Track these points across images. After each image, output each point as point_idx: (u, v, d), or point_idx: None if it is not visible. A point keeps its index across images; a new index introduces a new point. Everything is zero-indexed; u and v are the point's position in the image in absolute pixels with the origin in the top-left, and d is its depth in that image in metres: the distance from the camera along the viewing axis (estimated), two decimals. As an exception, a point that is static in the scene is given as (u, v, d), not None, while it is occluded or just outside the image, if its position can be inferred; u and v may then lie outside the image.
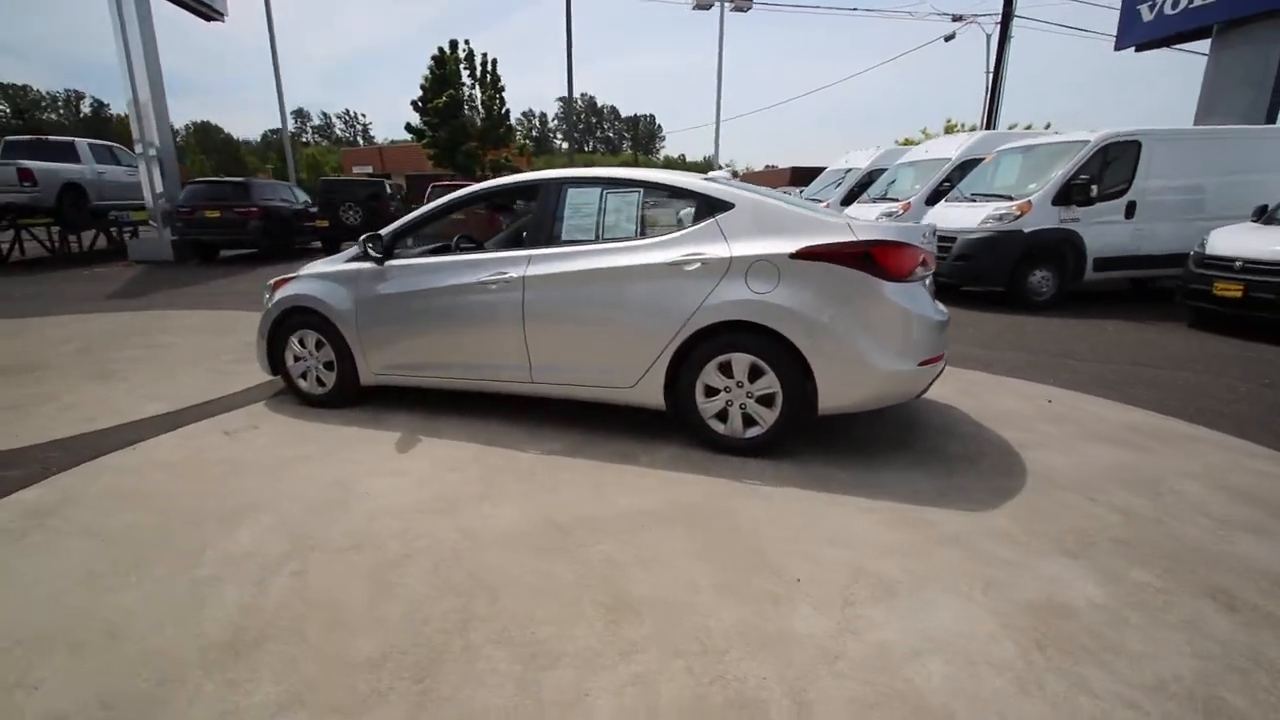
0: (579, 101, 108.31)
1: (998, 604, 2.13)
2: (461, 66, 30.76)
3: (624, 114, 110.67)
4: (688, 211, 3.52)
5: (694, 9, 20.38)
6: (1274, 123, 12.54)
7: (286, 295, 4.20)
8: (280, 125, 20.45)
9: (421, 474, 3.18)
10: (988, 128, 21.29)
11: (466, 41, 30.87)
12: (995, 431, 3.75)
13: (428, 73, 30.23)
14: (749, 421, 3.32)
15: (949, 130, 35.92)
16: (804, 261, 3.10)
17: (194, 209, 12.27)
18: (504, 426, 3.82)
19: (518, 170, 35.55)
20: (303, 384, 4.28)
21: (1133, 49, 16.63)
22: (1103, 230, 8.05)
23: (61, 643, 1.92)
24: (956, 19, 23.41)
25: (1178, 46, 16.46)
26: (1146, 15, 15.90)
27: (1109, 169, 8.11)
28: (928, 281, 3.32)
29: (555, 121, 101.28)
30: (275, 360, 4.34)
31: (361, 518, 2.71)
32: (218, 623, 2.01)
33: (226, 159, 61.27)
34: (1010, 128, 25.12)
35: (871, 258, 3.06)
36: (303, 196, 16.08)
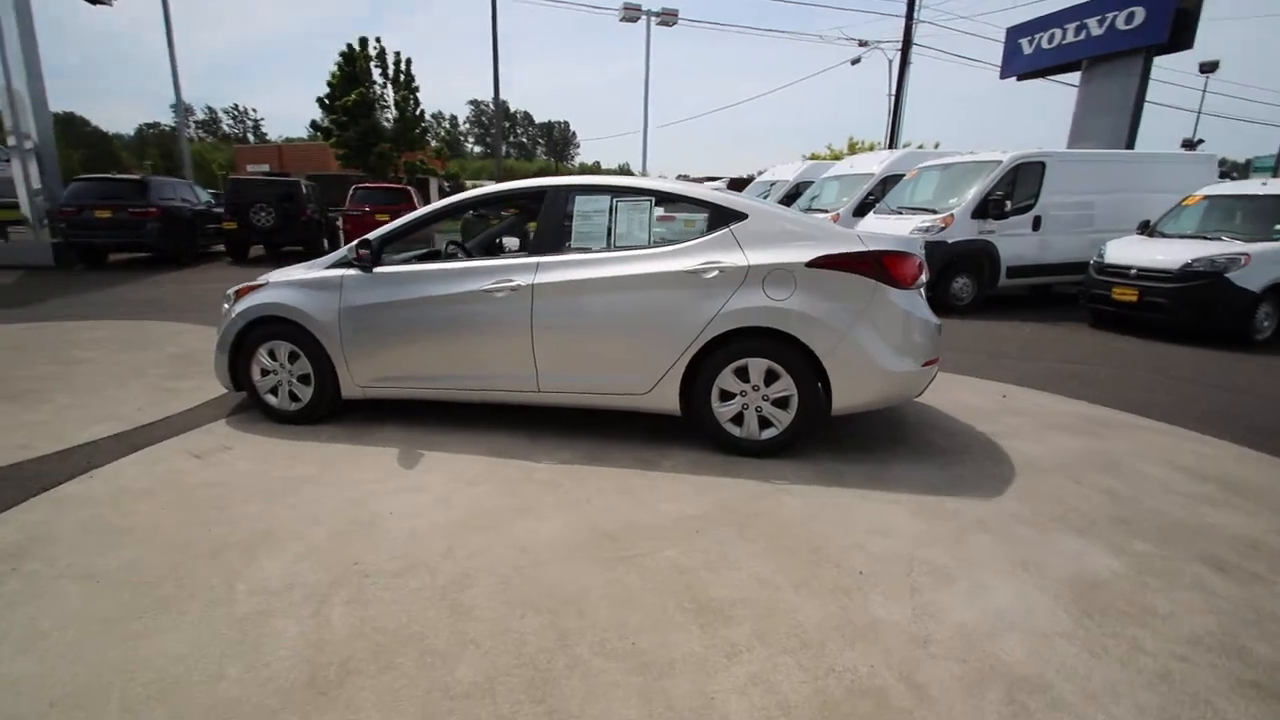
0: (491, 106, 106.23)
1: (1041, 581, 2.33)
2: (373, 65, 29.37)
3: (538, 120, 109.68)
4: (697, 221, 3.58)
5: (621, 20, 20.62)
6: (1133, 146, 14.32)
7: (254, 304, 3.88)
8: (174, 117, 18.63)
9: (440, 489, 3.04)
10: (890, 146, 22.94)
11: (378, 39, 29.54)
12: (969, 425, 4.07)
13: (335, 69, 28.64)
14: (765, 424, 3.42)
15: (852, 147, 38.35)
16: (819, 270, 3.24)
17: (80, 209, 10.98)
18: (504, 437, 3.71)
19: (433, 174, 34.44)
20: (272, 399, 3.97)
21: (1015, 78, 18.47)
22: (1014, 241, 8.90)
23: (113, 701, 1.69)
24: (862, 44, 25.09)
25: (1052, 78, 18.49)
26: (1027, 49, 17.76)
27: (1018, 186, 8.99)
28: (922, 290, 3.56)
29: (466, 125, 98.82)
30: (238, 375, 3.99)
31: (401, 539, 2.56)
32: (286, 661, 1.85)
33: (99, 155, 55.05)
34: (905, 145, 27.14)
35: (882, 266, 3.25)
36: (205, 196, 14.80)
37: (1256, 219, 7.54)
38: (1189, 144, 27.75)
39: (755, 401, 3.40)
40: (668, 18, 21.14)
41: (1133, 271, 7.45)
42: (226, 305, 4.11)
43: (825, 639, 1.97)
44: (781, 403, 3.38)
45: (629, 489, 3.06)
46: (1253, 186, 8.07)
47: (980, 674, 1.83)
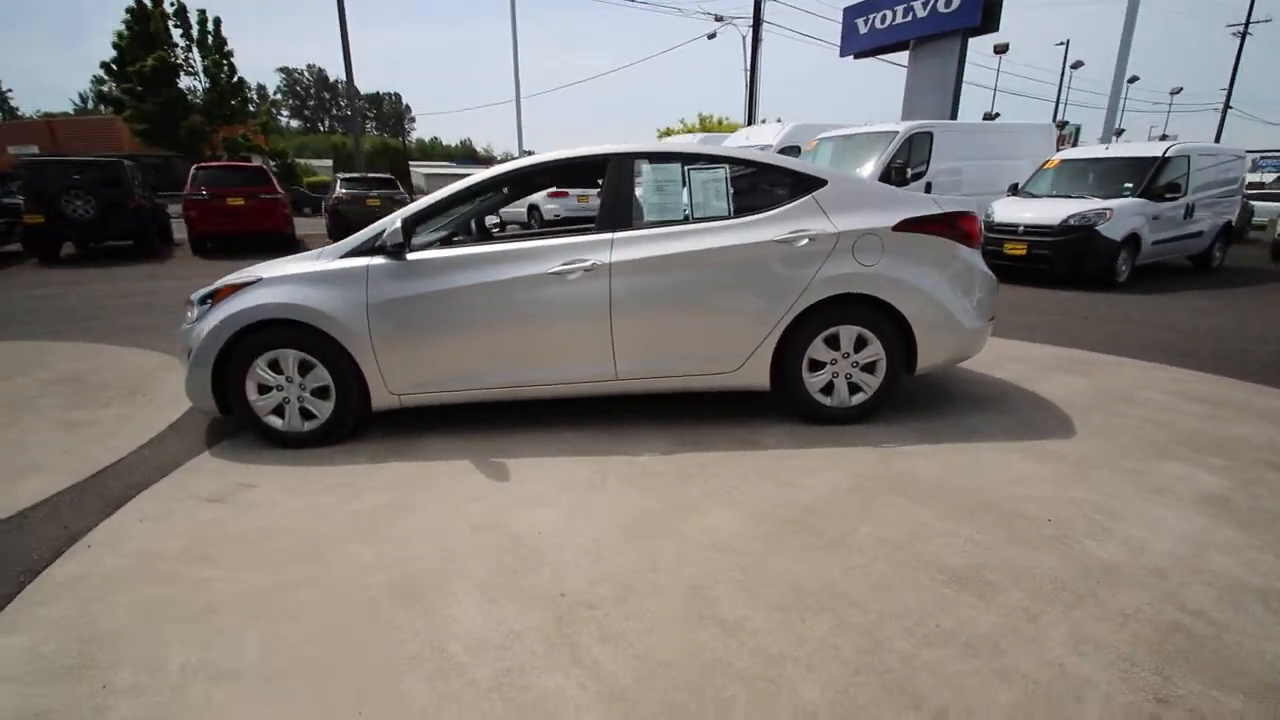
0: (306, 75, 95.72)
1: (1180, 503, 2.58)
2: (172, 24, 24.97)
3: (364, 91, 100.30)
4: (775, 188, 3.46)
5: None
6: (955, 119, 16.25)
7: (248, 307, 3.15)
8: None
9: (563, 499, 2.70)
10: (749, 121, 24.06)
11: (173, -8, 25.11)
12: (985, 374, 4.41)
13: (123, 29, 23.95)
14: (853, 389, 3.44)
15: (703, 122, 39.66)
16: (903, 233, 3.29)
17: None
18: (573, 434, 3.39)
19: (259, 150, 30.28)
20: (275, 421, 3.27)
21: (852, 56, 20.00)
22: (914, 205, 9.76)
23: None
24: (718, 19, 25.84)
25: (884, 57, 20.29)
26: (862, 29, 19.26)
27: (913, 154, 9.84)
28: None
29: (279, 95, 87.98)
30: (224, 393, 3.24)
31: (578, 559, 2.22)
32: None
33: None
34: (762, 121, 28.60)
35: (959, 226, 3.37)
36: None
37: (1106, 178, 8.92)
38: (989, 117, 32.16)
39: (845, 369, 3.40)
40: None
41: (1020, 229, 8.50)
42: (193, 313, 3.30)
43: (1089, 587, 2.03)
44: (869, 368, 3.41)
45: (763, 471, 2.93)
46: (1099, 151, 9.54)
47: (1229, 591, 2.00)
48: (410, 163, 47.50)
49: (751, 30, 24.49)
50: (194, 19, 25.82)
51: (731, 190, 3.34)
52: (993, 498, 2.63)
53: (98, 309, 7.02)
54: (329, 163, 46.38)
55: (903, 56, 18.49)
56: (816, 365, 3.39)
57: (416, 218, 3.28)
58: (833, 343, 3.36)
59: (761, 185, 3.54)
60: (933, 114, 15.89)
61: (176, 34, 25.83)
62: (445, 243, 3.47)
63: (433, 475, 2.95)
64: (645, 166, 3.32)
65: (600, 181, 3.39)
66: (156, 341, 5.36)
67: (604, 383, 3.35)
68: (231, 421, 3.45)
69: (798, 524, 2.45)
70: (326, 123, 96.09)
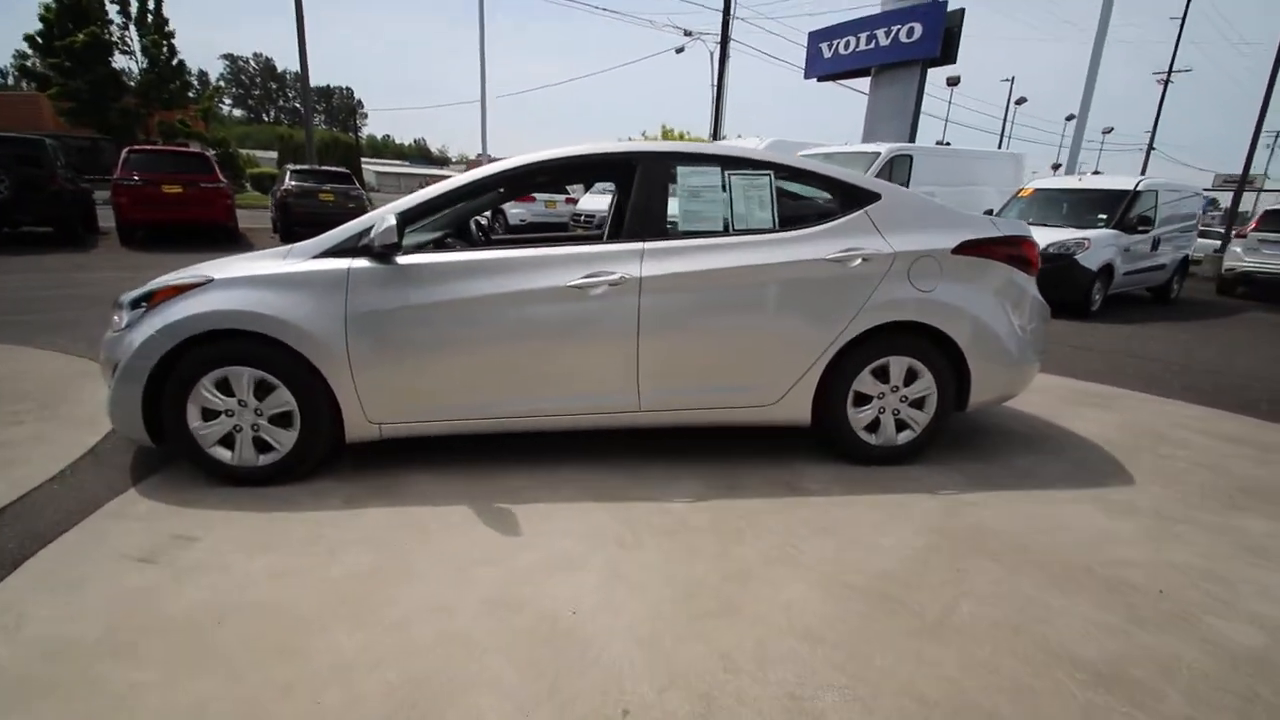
0: (252, 64, 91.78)
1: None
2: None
3: (314, 83, 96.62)
4: (824, 199, 3.09)
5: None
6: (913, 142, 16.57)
7: (195, 314, 2.56)
8: None
9: (595, 561, 2.22)
10: (714, 136, 24.06)
11: (110, -36, 23.33)
12: (1011, 408, 4.16)
13: (50, 1, 22.07)
14: (900, 426, 3.10)
15: (665, 134, 39.64)
16: (962, 256, 2.98)
17: None
18: (585, 473, 2.93)
19: (199, 137, 28.44)
20: (223, 453, 2.68)
21: (816, 79, 20.20)
22: (895, 227, 9.70)
23: None
24: (688, 34, 25.82)
25: (846, 83, 20.57)
26: (826, 53, 19.37)
27: (893, 175, 9.78)
28: None
29: (222, 82, 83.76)
30: (157, 418, 2.63)
31: (638, 656, 1.76)
32: None
33: None
34: (724, 137, 28.74)
35: (1020, 251, 3.08)
36: None
37: (1078, 209, 9.05)
38: (940, 144, 33.35)
39: (893, 404, 3.05)
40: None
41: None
42: (121, 318, 2.69)
43: (1247, 686, 1.70)
44: (919, 403, 3.08)
45: (819, 524, 2.53)
46: (1072, 181, 9.70)
47: None
48: (362, 159, 45.72)
49: (719, 47, 24.61)
50: (131, -6, 24.04)
51: (776, 200, 2.95)
52: (1088, 561, 2.31)
53: (12, 302, 6.09)
54: (274, 154, 44.16)
55: (863, 82, 18.81)
56: (861, 399, 3.03)
57: (411, 214, 2.76)
58: (880, 375, 3.01)
59: (809, 195, 3.18)
60: (892, 139, 16.09)
61: (113, 10, 23.99)
62: (440, 246, 2.96)
63: (427, 527, 2.43)
64: (681, 169, 2.90)
65: (614, 186, 2.95)
66: (77, 345, 4.60)
67: (625, 414, 2.90)
68: (166, 450, 2.83)
69: (885, 598, 2.06)
70: (272, 114, 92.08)
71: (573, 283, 2.71)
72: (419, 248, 2.86)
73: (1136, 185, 8.91)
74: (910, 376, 3.03)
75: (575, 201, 15.29)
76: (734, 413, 2.98)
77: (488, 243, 3.59)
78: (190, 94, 28.08)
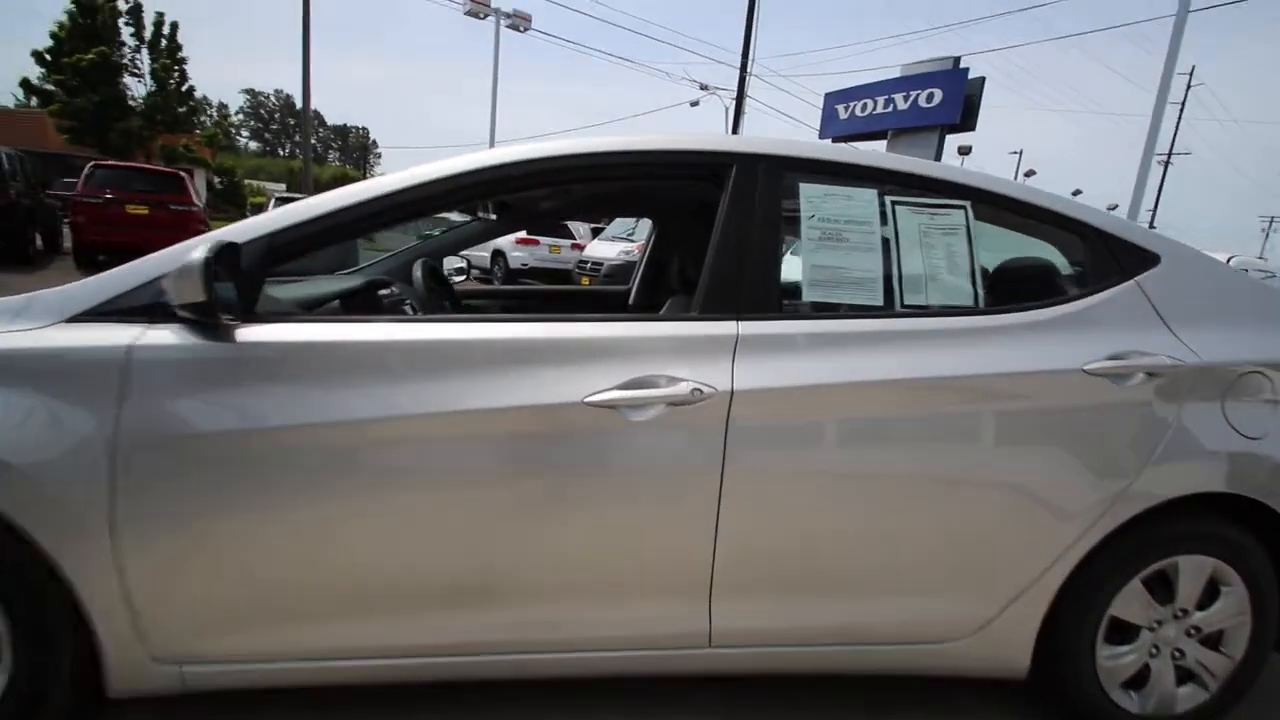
0: (272, 99, 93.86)
1: None
2: (123, 22, 22.87)
3: (330, 121, 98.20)
4: (1062, 258, 1.75)
5: (466, 13, 17.99)
6: None
7: None
8: None
9: None
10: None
11: (132, -8, 23.11)
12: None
13: (65, 19, 21.80)
14: (1183, 678, 1.67)
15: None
16: (1308, 374, 1.61)
17: None
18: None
19: (203, 163, 27.83)
20: None
21: (831, 140, 19.51)
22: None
23: None
24: (703, 87, 25.35)
25: (860, 144, 19.91)
26: (842, 114, 18.81)
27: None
28: None
29: (240, 115, 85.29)
30: None
31: None
32: None
33: None
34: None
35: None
36: None
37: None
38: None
39: (1175, 640, 1.63)
40: (520, 21, 18.95)
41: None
42: None
43: None
44: (1214, 639, 1.65)
45: None
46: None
47: None
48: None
49: (735, 103, 24.10)
50: (149, 20, 23.77)
51: (976, 251, 1.60)
52: None
53: None
54: (283, 186, 44.09)
55: (878, 144, 18.11)
56: (1119, 631, 1.62)
57: (271, 245, 1.40)
58: (1158, 588, 1.60)
59: (1036, 250, 1.82)
60: (907, 205, 15.17)
61: (127, 32, 23.65)
62: (348, 306, 1.61)
63: None
64: (808, 189, 1.56)
65: (653, 220, 1.58)
66: None
67: (679, 654, 1.48)
68: None
69: None
70: (288, 148, 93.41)
71: (592, 397, 1.33)
72: (307, 306, 1.50)
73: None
74: (1209, 593, 1.61)
75: (582, 247, 12.60)
76: (888, 653, 1.56)
77: (454, 305, 2.23)
78: (198, 119, 27.64)
